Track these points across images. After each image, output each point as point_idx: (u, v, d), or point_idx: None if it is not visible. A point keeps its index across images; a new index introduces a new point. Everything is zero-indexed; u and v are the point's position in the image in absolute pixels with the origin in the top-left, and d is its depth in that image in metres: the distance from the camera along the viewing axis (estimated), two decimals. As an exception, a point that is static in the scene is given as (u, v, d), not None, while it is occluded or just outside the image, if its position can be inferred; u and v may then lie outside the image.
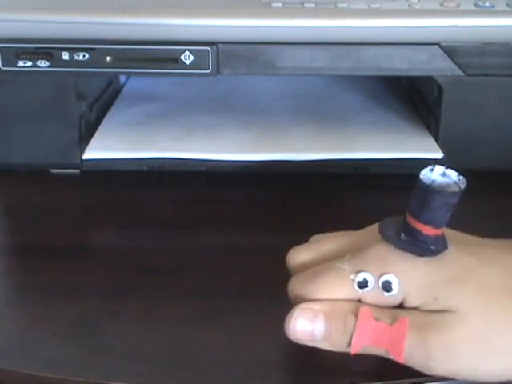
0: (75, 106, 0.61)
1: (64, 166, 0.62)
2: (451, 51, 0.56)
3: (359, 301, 0.39)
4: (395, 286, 0.38)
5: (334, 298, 0.39)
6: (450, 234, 0.40)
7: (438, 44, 0.56)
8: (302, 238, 0.53)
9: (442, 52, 0.56)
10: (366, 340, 0.38)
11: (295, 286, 0.41)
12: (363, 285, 0.39)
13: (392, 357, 0.38)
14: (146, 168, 0.62)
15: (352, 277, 0.39)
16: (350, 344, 0.38)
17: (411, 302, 0.38)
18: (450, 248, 0.39)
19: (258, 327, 0.44)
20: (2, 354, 0.40)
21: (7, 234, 0.55)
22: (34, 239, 0.53)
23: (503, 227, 0.44)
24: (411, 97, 0.73)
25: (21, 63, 0.57)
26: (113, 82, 0.74)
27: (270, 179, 0.61)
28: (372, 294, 0.39)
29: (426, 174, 0.38)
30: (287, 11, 0.57)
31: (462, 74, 0.57)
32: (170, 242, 0.51)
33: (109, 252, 0.52)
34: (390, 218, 0.40)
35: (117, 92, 0.75)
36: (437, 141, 0.61)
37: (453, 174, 0.38)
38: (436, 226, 0.38)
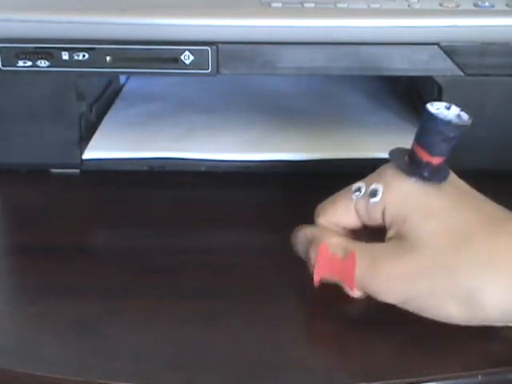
0: (75, 105, 0.61)
1: (64, 165, 0.62)
2: (451, 51, 0.56)
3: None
4: (379, 194, 0.43)
5: (340, 203, 0.45)
6: (459, 182, 0.44)
7: (437, 44, 0.56)
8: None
9: (442, 52, 0.56)
10: (323, 272, 0.43)
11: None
12: (356, 190, 0.44)
13: (346, 287, 0.42)
14: (146, 168, 0.62)
15: (352, 186, 0.44)
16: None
17: (386, 215, 0.42)
18: (445, 185, 0.42)
19: (258, 327, 0.44)
20: (2, 353, 0.40)
21: (7, 233, 0.55)
22: (34, 239, 0.53)
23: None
24: (411, 97, 0.73)
25: (21, 63, 0.57)
26: (113, 82, 0.74)
27: (269, 179, 0.61)
28: (362, 200, 0.43)
29: (435, 105, 0.42)
30: (287, 11, 0.57)
31: (462, 73, 0.57)
32: (170, 241, 0.51)
33: (109, 252, 0.52)
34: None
35: (117, 92, 0.75)
36: (436, 141, 0.61)
37: (464, 116, 0.42)
38: (431, 152, 0.42)
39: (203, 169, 0.62)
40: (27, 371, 0.40)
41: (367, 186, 0.43)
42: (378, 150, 0.61)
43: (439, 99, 0.59)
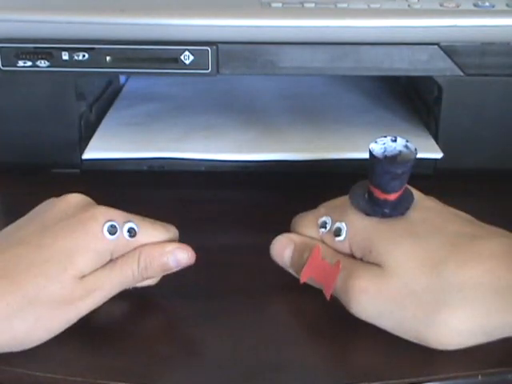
0: (75, 105, 0.61)
1: (64, 165, 0.62)
2: (451, 51, 0.56)
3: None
4: (343, 234, 0.44)
5: (306, 233, 0.46)
6: (429, 203, 0.45)
7: (437, 44, 0.56)
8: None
9: (442, 52, 0.56)
10: (311, 273, 0.44)
11: (294, 218, 0.48)
12: (322, 226, 0.45)
13: (324, 292, 0.43)
14: (145, 168, 0.62)
15: (318, 219, 0.46)
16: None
17: (355, 251, 0.44)
18: (410, 214, 0.43)
19: (258, 327, 0.44)
20: (2, 353, 0.40)
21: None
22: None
23: (503, 227, 0.44)
24: (411, 97, 0.73)
25: (21, 63, 0.57)
26: (113, 82, 0.74)
27: (269, 179, 0.61)
28: (328, 236, 0.45)
29: (380, 142, 0.43)
30: (287, 11, 0.57)
31: (462, 73, 0.57)
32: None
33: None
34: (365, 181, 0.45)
35: (117, 92, 0.75)
36: (436, 141, 0.61)
37: (410, 147, 0.43)
38: (384, 190, 0.43)
39: (203, 169, 0.62)
40: (27, 371, 0.40)
41: (333, 223, 0.45)
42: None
43: (439, 99, 0.60)
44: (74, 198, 0.46)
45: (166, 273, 0.45)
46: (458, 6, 0.57)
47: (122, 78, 0.77)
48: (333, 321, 0.44)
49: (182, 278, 0.47)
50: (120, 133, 0.65)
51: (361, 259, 0.43)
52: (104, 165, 0.62)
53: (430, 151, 0.61)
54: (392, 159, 0.43)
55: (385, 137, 0.44)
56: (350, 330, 0.43)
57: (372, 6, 0.57)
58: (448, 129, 0.60)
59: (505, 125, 0.60)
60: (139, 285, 0.45)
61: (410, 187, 0.45)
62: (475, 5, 0.57)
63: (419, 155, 0.60)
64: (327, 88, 0.76)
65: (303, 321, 0.45)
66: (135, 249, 0.44)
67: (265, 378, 0.40)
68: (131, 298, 0.46)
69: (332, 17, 0.56)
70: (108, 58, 0.57)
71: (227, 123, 0.67)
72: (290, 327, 0.44)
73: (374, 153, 0.43)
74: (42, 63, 0.57)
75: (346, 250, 0.44)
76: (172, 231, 0.46)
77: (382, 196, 0.43)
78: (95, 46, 0.57)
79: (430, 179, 0.57)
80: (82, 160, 0.61)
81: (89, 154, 0.61)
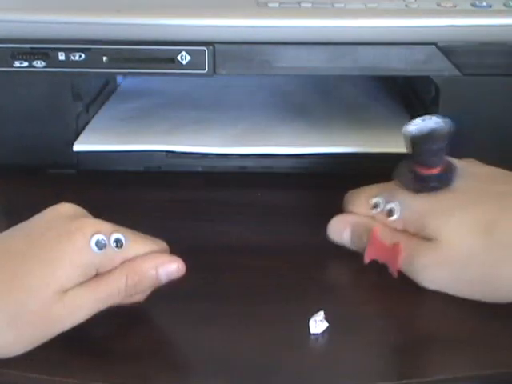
0: (71, 106, 0.61)
1: (60, 166, 0.62)
2: (448, 51, 0.56)
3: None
4: (396, 214, 0.47)
5: (360, 212, 0.49)
6: (472, 169, 0.48)
7: (435, 44, 0.56)
8: (302, 239, 0.53)
9: (439, 52, 0.56)
10: (373, 255, 0.48)
11: (346, 196, 0.51)
12: (375, 207, 0.48)
13: (391, 271, 0.46)
14: (142, 168, 0.62)
15: (371, 199, 0.48)
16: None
17: (409, 229, 0.47)
18: (457, 184, 0.46)
19: (258, 328, 0.43)
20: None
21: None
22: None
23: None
24: (409, 96, 0.73)
25: (17, 63, 0.57)
26: (109, 83, 0.74)
27: (269, 179, 0.61)
28: (381, 216, 0.48)
29: (413, 124, 0.46)
30: (284, 11, 0.57)
31: (459, 73, 0.57)
32: (168, 242, 0.51)
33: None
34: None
35: (113, 92, 0.75)
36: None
37: (442, 122, 0.46)
38: (427, 166, 0.46)
39: (200, 169, 0.62)
40: (24, 373, 0.40)
41: (384, 203, 0.48)
42: (364, 145, 0.62)
43: (436, 99, 0.60)
44: (64, 208, 0.44)
45: (155, 286, 0.44)
46: (455, 6, 0.57)
47: (119, 79, 0.77)
48: (332, 321, 0.43)
49: (180, 278, 0.47)
50: (111, 127, 0.65)
51: (416, 235, 0.46)
52: (99, 164, 0.62)
53: None
54: (427, 136, 0.45)
55: (419, 116, 0.47)
56: (349, 330, 0.43)
57: (369, 5, 0.57)
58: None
59: (502, 124, 0.60)
60: (126, 301, 0.43)
61: (451, 158, 0.47)
62: (472, 4, 0.57)
63: (404, 150, 0.61)
64: (324, 85, 0.76)
65: (302, 321, 0.44)
66: (122, 265, 0.42)
67: (264, 379, 0.40)
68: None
69: (329, 17, 0.56)
70: (104, 59, 0.57)
71: (217, 118, 0.67)
72: (290, 328, 0.44)
73: (410, 134, 0.46)
74: (39, 64, 0.57)
75: (399, 227, 0.47)
76: (160, 245, 0.45)
77: (426, 172, 0.46)
78: (92, 47, 0.56)
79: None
80: (76, 155, 0.61)
81: (80, 146, 0.61)
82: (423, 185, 0.46)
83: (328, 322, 0.43)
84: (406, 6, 0.57)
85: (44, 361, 0.40)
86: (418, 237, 0.46)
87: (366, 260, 0.48)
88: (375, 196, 0.48)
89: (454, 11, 0.56)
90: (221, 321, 0.44)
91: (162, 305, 0.46)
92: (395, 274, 0.46)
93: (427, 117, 0.46)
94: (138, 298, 0.44)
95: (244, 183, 0.61)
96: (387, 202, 0.48)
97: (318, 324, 0.43)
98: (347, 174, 0.61)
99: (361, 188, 0.50)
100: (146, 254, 0.43)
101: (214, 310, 0.45)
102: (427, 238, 0.46)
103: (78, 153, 0.61)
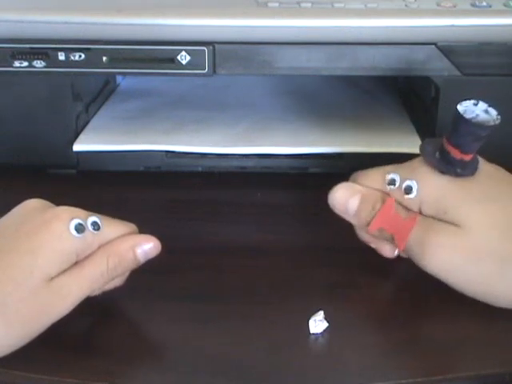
0: (71, 106, 0.61)
1: (60, 166, 0.62)
2: (448, 51, 0.56)
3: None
4: (414, 192, 0.45)
5: (372, 186, 0.47)
6: (488, 167, 0.47)
7: (434, 44, 0.56)
8: (302, 239, 0.53)
9: (439, 52, 0.56)
10: (382, 223, 0.46)
11: (354, 174, 0.49)
12: (391, 183, 0.46)
13: (395, 243, 0.45)
14: (142, 168, 0.62)
15: (386, 175, 0.46)
16: (369, 224, 0.46)
17: (425, 210, 0.45)
18: (477, 174, 0.45)
19: (258, 328, 0.43)
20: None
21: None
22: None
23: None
24: (408, 96, 0.73)
25: (17, 63, 0.57)
26: (109, 82, 0.74)
27: (269, 179, 0.61)
28: (397, 193, 0.46)
29: (464, 104, 0.44)
30: (284, 11, 0.57)
31: (459, 73, 0.57)
32: (168, 242, 0.51)
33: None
34: (436, 138, 0.46)
35: (113, 92, 0.75)
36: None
37: (492, 113, 0.45)
38: (463, 150, 0.44)
39: (200, 169, 0.62)
40: (23, 373, 0.40)
41: (401, 180, 0.46)
42: (361, 144, 0.62)
43: (436, 99, 0.59)
44: (32, 203, 0.44)
45: (134, 267, 0.44)
46: (455, 6, 0.57)
47: (119, 78, 0.77)
48: (332, 321, 0.43)
49: (181, 279, 0.47)
50: (111, 126, 0.65)
51: (431, 217, 0.45)
52: (99, 164, 0.62)
53: (412, 146, 0.61)
54: (477, 121, 0.44)
55: (469, 100, 0.45)
56: (348, 330, 0.43)
57: (369, 5, 0.57)
58: (445, 129, 0.60)
59: (502, 124, 0.59)
60: (107, 287, 0.44)
61: None
62: (472, 4, 0.57)
63: (401, 150, 0.61)
64: (322, 86, 0.76)
65: (302, 321, 0.44)
66: (101, 248, 0.43)
67: (264, 379, 0.40)
68: (130, 299, 0.46)
69: (329, 17, 0.56)
70: (104, 59, 0.57)
71: (217, 118, 0.67)
72: (290, 328, 0.44)
73: (461, 113, 0.43)
74: (38, 64, 0.57)
75: (415, 207, 0.45)
76: (130, 226, 0.46)
77: (459, 156, 0.44)
78: (92, 47, 0.56)
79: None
80: (76, 155, 0.61)
81: (79, 146, 0.61)
82: (449, 168, 0.44)
83: (328, 322, 0.43)
84: (406, 5, 0.57)
85: (43, 361, 0.40)
86: (435, 219, 0.44)
87: (373, 228, 0.46)
88: (391, 172, 0.47)
89: (454, 11, 0.56)
90: (221, 321, 0.44)
91: (162, 305, 0.46)
92: (402, 247, 0.45)
93: (480, 103, 0.45)
94: (118, 281, 0.45)
95: (244, 183, 0.61)
96: (404, 180, 0.46)
97: (317, 324, 0.43)
98: (347, 174, 0.61)
99: (373, 168, 0.48)
100: (121, 236, 0.44)
101: (214, 309, 0.45)
102: (445, 221, 0.44)
103: (78, 153, 0.61)
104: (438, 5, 0.57)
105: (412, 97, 0.71)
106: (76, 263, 0.42)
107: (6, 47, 0.56)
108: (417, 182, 0.45)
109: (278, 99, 0.73)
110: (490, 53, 0.56)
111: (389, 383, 0.39)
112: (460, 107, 0.44)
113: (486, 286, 0.43)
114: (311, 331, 0.42)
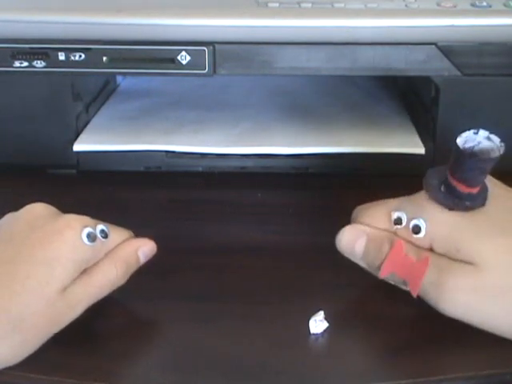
0: (71, 106, 0.61)
1: (60, 166, 0.62)
2: (448, 51, 0.56)
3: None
4: (423, 231, 0.43)
5: (377, 226, 0.45)
6: (498, 190, 0.43)
7: (435, 44, 0.56)
8: (302, 239, 0.53)
9: (439, 52, 0.56)
10: (392, 268, 0.43)
11: (356, 210, 0.47)
12: (397, 222, 0.44)
13: (409, 289, 0.42)
14: (142, 168, 0.62)
15: (392, 213, 0.44)
16: (379, 268, 0.44)
17: (437, 249, 0.42)
18: (488, 203, 0.42)
19: (258, 328, 0.43)
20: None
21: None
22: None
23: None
24: (408, 96, 0.73)
25: (17, 63, 0.57)
26: (110, 82, 0.74)
27: (269, 179, 0.61)
28: (404, 232, 0.43)
29: (464, 135, 0.41)
30: (284, 11, 0.57)
31: (459, 73, 0.57)
32: (168, 242, 0.51)
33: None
34: (439, 167, 0.43)
35: (113, 92, 0.75)
36: (434, 141, 0.61)
37: (495, 140, 0.42)
38: (470, 185, 0.41)
39: (200, 169, 0.62)
40: (22, 373, 0.40)
41: (408, 219, 0.43)
42: (361, 145, 0.62)
43: (436, 99, 0.59)
44: (38, 208, 0.44)
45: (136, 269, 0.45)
46: (455, 6, 0.57)
47: (119, 79, 0.77)
48: (332, 321, 0.43)
49: (181, 279, 0.47)
50: (111, 126, 0.65)
51: (443, 255, 0.42)
52: (99, 164, 0.62)
53: (413, 146, 0.61)
54: (479, 153, 0.41)
55: (469, 130, 0.42)
56: (349, 330, 0.43)
57: (369, 5, 0.57)
58: (445, 129, 0.60)
59: (502, 125, 0.59)
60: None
61: None
62: (472, 4, 0.57)
63: (402, 150, 0.61)
64: (322, 86, 0.76)
65: (302, 321, 0.44)
66: (108, 256, 0.43)
67: (264, 379, 0.40)
68: (130, 299, 0.46)
69: (329, 17, 0.56)
70: (104, 59, 0.57)
71: (217, 118, 0.67)
72: (290, 328, 0.44)
73: (462, 148, 0.41)
74: (39, 64, 0.57)
75: (426, 245, 0.43)
76: (128, 231, 0.46)
77: (466, 190, 0.41)
78: (92, 47, 0.56)
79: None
80: (77, 155, 0.61)
81: (79, 146, 0.61)
82: (457, 202, 0.42)
83: (328, 322, 0.43)
84: (406, 6, 0.57)
85: (43, 361, 0.40)
86: (448, 257, 0.42)
87: (383, 273, 0.44)
88: (396, 210, 0.44)
89: (453, 11, 0.56)
90: (221, 321, 0.44)
91: (162, 305, 0.46)
92: (415, 292, 0.42)
93: (481, 131, 0.42)
94: (122, 282, 0.45)
95: (244, 183, 0.61)
96: (411, 218, 0.43)
97: (317, 324, 0.43)
98: (347, 174, 0.61)
99: (375, 202, 0.46)
100: (123, 242, 0.44)
101: (214, 309, 0.45)
102: (459, 261, 0.41)
103: (78, 153, 0.62)
104: (438, 5, 0.57)
105: (412, 97, 0.71)
106: (84, 271, 0.42)
107: (6, 47, 0.56)
108: (424, 221, 0.43)
109: (278, 99, 0.73)
110: (490, 53, 0.56)
111: (390, 382, 0.39)
112: (459, 139, 0.41)
113: (507, 326, 0.41)
114: (311, 331, 0.42)
